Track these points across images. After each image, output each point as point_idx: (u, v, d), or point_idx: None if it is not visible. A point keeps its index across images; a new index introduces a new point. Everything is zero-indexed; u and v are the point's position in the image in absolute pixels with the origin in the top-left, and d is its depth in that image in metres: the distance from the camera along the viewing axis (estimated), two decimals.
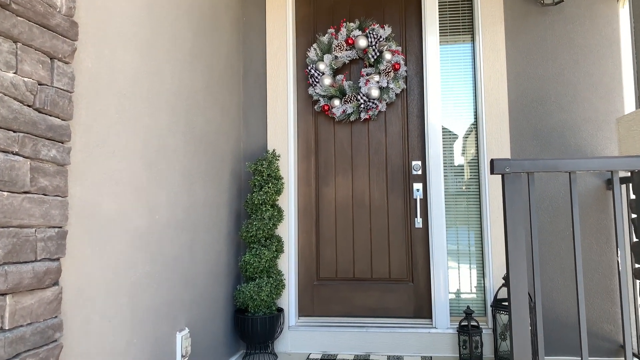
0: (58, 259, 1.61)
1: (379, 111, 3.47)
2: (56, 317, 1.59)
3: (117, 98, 2.00)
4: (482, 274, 3.39)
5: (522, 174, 1.56)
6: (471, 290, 3.40)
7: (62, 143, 1.64)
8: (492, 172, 1.54)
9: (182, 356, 2.49)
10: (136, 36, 2.16)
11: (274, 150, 3.35)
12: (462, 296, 3.42)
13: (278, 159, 3.33)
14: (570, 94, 3.22)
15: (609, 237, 3.10)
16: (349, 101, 3.42)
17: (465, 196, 3.44)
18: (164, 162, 2.39)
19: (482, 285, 3.38)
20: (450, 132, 3.50)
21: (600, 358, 3.05)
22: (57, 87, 1.60)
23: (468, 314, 3.03)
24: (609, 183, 3.07)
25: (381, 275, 3.48)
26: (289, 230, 3.44)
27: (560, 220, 3.16)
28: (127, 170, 2.06)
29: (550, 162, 1.52)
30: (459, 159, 3.47)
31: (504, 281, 3.02)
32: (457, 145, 3.49)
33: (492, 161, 1.54)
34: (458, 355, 3.09)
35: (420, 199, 3.43)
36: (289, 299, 3.40)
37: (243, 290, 3.11)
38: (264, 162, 3.24)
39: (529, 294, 2.97)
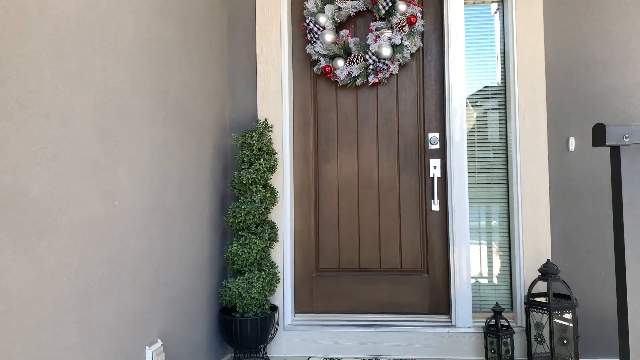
0: None
1: (390, 74, 2.93)
2: None
3: (55, 41, 1.44)
4: (507, 263, 2.92)
5: None
6: (492, 281, 2.94)
7: None
8: (597, 143, 1.03)
9: None
10: None
11: (265, 119, 2.80)
12: (483, 289, 2.96)
13: (271, 130, 2.78)
14: (620, 54, 2.70)
15: None
16: (356, 61, 2.87)
17: (487, 174, 2.95)
18: (125, 131, 1.84)
19: (508, 276, 2.92)
20: (471, 99, 2.98)
21: None
22: None
23: (497, 312, 2.57)
24: None
25: (391, 266, 2.99)
26: (283, 214, 2.92)
27: (604, 203, 2.69)
28: (71, 140, 1.51)
29: None
30: (481, 131, 2.96)
31: (540, 273, 2.55)
32: (480, 115, 2.98)
33: (599, 127, 1.02)
34: (484, 359, 2.64)
35: (437, 177, 2.93)
36: (283, 294, 2.91)
37: (230, 286, 2.61)
38: (253, 133, 2.70)
39: (569, 290, 2.51)
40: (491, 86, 2.97)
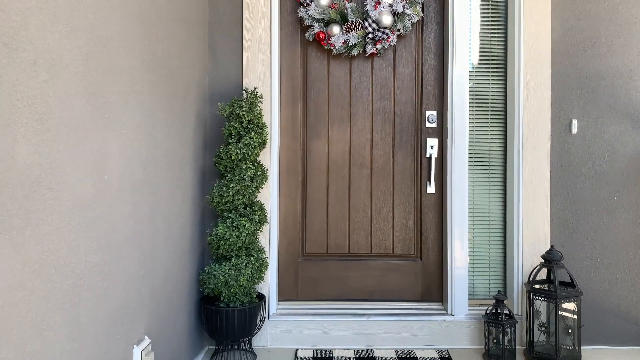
0: None
1: (389, 45, 2.71)
2: None
3: None
4: (502, 248, 2.82)
5: None
6: (485, 267, 2.84)
7: None
8: None
9: None
10: None
11: (255, 88, 2.51)
12: (476, 275, 2.85)
13: (261, 101, 2.50)
14: (624, 34, 2.64)
15: None
16: (353, 29, 2.63)
17: (484, 155, 2.82)
18: (114, 90, 1.52)
19: (502, 262, 2.83)
20: (471, 76, 2.83)
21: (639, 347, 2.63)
22: None
23: (500, 300, 2.46)
24: None
25: (382, 250, 2.82)
26: (270, 194, 2.66)
27: (603, 188, 2.64)
28: (60, 98, 1.19)
29: None
30: (479, 110, 2.82)
31: (542, 260, 2.47)
32: (479, 93, 2.83)
33: None
34: (484, 347, 2.53)
35: (434, 157, 2.77)
36: (269, 282, 2.67)
37: (215, 273, 2.33)
38: (243, 103, 2.41)
39: (570, 277, 2.45)
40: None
